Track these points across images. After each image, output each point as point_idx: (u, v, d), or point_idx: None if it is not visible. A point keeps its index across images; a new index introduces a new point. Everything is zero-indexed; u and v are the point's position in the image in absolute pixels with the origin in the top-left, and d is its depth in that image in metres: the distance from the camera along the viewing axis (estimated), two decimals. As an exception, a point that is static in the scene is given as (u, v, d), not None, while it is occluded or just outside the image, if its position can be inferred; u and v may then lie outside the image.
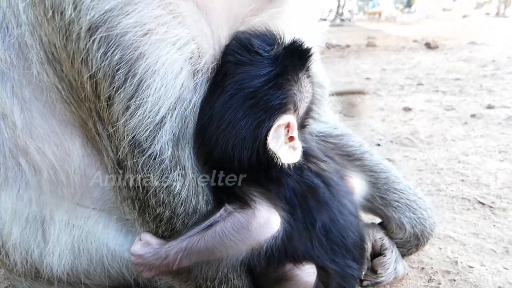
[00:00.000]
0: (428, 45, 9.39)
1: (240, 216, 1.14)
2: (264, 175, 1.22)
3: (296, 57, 1.25)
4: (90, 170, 1.45)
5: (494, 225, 2.20)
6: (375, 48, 10.02)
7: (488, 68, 6.44)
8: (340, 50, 10.20)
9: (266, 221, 1.13)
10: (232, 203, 1.18)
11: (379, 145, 3.50)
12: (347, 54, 9.35)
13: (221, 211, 1.19)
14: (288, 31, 1.34)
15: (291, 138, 1.21)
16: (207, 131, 1.20)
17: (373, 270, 1.75)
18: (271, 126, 1.14)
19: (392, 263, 1.74)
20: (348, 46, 10.64)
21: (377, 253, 1.79)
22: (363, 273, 1.68)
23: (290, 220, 1.17)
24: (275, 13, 1.38)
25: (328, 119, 1.86)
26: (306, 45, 1.30)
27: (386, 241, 1.79)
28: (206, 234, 1.15)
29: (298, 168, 1.26)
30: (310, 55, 1.29)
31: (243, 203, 1.16)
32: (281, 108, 1.17)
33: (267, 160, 1.18)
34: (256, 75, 1.18)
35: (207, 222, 1.17)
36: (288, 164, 1.19)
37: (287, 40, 1.28)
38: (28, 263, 1.55)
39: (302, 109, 1.29)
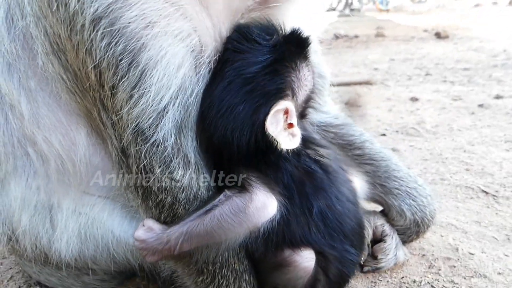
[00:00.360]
0: (438, 35, 9.25)
1: (238, 200, 1.18)
2: (263, 160, 1.25)
3: (294, 45, 1.27)
4: (95, 159, 1.48)
5: (496, 214, 2.21)
6: (384, 38, 9.90)
7: (499, 58, 6.35)
8: (348, 40, 10.12)
9: (263, 204, 1.17)
10: (231, 188, 1.22)
11: (384, 135, 3.50)
12: (355, 45, 9.27)
13: (221, 196, 1.22)
14: (289, 23, 1.36)
15: (290, 125, 1.23)
16: (207, 117, 1.23)
17: (373, 256, 1.78)
18: (269, 111, 1.17)
19: (392, 249, 1.77)
20: (356, 36, 10.54)
21: (378, 240, 1.82)
22: (363, 259, 1.71)
23: (288, 205, 1.19)
24: (276, 6, 1.40)
25: (328, 109, 1.88)
26: (305, 34, 1.32)
27: (387, 228, 1.82)
28: (206, 218, 1.18)
29: (296, 154, 1.28)
30: (309, 44, 1.32)
31: (242, 187, 1.19)
32: (278, 93, 1.20)
33: (266, 145, 1.21)
34: (254, 62, 1.21)
35: (207, 207, 1.21)
36: (287, 150, 1.22)
37: (287, 30, 1.30)
38: (37, 249, 1.60)
39: (301, 97, 1.30)
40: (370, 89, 5.12)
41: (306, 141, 1.34)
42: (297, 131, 1.25)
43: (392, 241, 1.79)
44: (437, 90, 4.82)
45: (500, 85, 4.78)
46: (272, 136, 1.18)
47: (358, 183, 1.52)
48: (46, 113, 1.43)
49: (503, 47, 7.09)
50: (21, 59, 1.38)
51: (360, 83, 5.32)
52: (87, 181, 1.54)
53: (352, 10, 20.29)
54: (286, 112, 1.21)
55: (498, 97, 4.29)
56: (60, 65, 1.29)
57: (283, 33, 1.29)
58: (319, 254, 1.26)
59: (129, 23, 1.15)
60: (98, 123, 1.34)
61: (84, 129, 1.44)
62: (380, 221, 1.83)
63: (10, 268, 2.01)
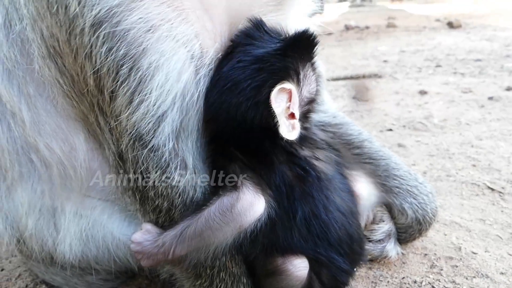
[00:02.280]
0: (450, 25, 9.09)
1: (225, 199, 1.18)
2: (260, 151, 1.26)
3: (302, 44, 1.29)
4: (94, 163, 1.50)
5: (502, 211, 2.18)
6: (395, 29, 9.77)
7: (512, 47, 6.23)
8: (358, 31, 10.01)
9: (250, 204, 1.17)
10: (223, 189, 1.22)
11: (391, 130, 3.47)
12: (366, 36, 9.16)
13: (214, 197, 1.23)
14: (290, 25, 1.38)
15: (292, 115, 1.24)
16: (212, 93, 1.24)
17: None
18: (274, 86, 1.19)
19: (382, 234, 1.76)
20: (367, 27, 10.42)
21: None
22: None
23: (275, 207, 1.19)
24: (277, 9, 1.40)
25: (326, 108, 1.87)
26: (313, 35, 1.32)
27: (386, 217, 1.80)
28: (196, 219, 1.19)
29: (292, 154, 1.28)
30: (316, 44, 1.32)
31: (232, 187, 1.19)
32: (284, 72, 1.22)
33: (269, 126, 1.21)
34: (264, 46, 1.25)
35: (199, 209, 1.22)
36: (285, 140, 1.23)
37: (295, 30, 1.31)
38: (43, 251, 1.64)
39: (305, 92, 1.31)
40: (379, 82, 5.06)
41: (305, 141, 1.33)
42: (297, 124, 1.25)
43: (385, 226, 1.77)
44: (446, 83, 4.74)
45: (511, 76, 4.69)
46: (274, 117, 1.19)
47: (366, 189, 1.50)
48: (45, 119, 1.43)
49: (517, 36, 6.94)
50: (19, 65, 1.37)
51: (368, 76, 5.27)
52: (87, 185, 1.56)
53: (363, 0, 20.02)
54: (290, 95, 1.22)
55: (509, 89, 4.21)
56: (57, 69, 1.28)
57: (291, 34, 1.31)
58: (311, 261, 1.25)
59: (131, 27, 1.14)
60: (95, 128, 1.35)
61: (82, 134, 1.44)
62: (381, 210, 1.81)
63: (19, 267, 2.07)
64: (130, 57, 1.15)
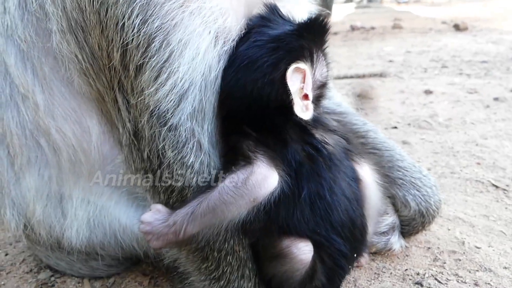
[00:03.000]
0: (457, 27, 9.06)
1: (239, 173, 1.18)
2: (273, 134, 1.26)
3: (316, 28, 1.32)
4: (105, 147, 1.51)
5: (506, 208, 2.18)
6: (401, 30, 9.75)
7: (518, 50, 6.20)
8: (364, 32, 9.99)
9: (264, 177, 1.17)
10: (236, 164, 1.22)
11: (396, 127, 3.47)
12: (372, 37, 9.15)
13: (226, 173, 1.22)
14: (301, 13, 1.40)
15: (306, 96, 1.26)
16: (229, 70, 1.26)
17: None
18: (290, 64, 1.22)
19: (385, 227, 1.76)
20: (373, 28, 10.40)
21: None
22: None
23: (289, 182, 1.19)
24: None
25: (331, 95, 1.86)
26: (326, 21, 1.34)
27: (390, 209, 1.80)
28: (209, 195, 1.18)
29: (306, 133, 1.29)
30: (328, 29, 1.35)
31: (246, 160, 1.19)
32: (300, 52, 1.25)
33: (283, 104, 1.23)
34: (279, 28, 1.29)
35: (211, 187, 1.21)
36: (299, 119, 1.24)
37: (309, 17, 1.35)
38: (51, 237, 1.65)
39: (317, 75, 1.33)
40: (384, 81, 5.06)
41: (318, 123, 1.34)
42: (310, 106, 1.28)
43: (389, 219, 1.77)
44: (452, 83, 4.74)
45: (517, 78, 4.67)
46: (289, 95, 1.21)
47: (372, 177, 1.48)
48: (60, 101, 1.43)
49: (523, 39, 6.92)
50: (35, 45, 1.37)
51: (373, 75, 5.27)
52: (97, 170, 1.56)
53: (370, 1, 20.00)
54: (304, 76, 1.25)
55: (514, 90, 4.20)
56: (76, 44, 1.27)
57: (304, 18, 1.34)
58: (315, 243, 1.25)
59: (165, 1, 1.15)
60: (110, 108, 1.34)
61: (95, 117, 1.44)
62: (385, 202, 1.81)
63: (23, 252, 2.09)
64: (163, 30, 1.15)
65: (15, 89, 1.46)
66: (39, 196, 1.59)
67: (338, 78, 5.24)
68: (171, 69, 1.18)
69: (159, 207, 1.27)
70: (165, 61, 1.17)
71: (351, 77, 5.27)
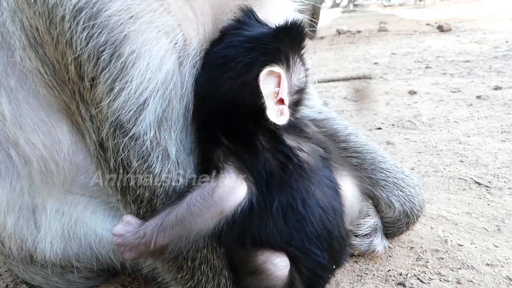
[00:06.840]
0: (440, 28, 9.16)
1: (207, 184, 1.17)
2: (244, 141, 1.24)
3: (293, 34, 1.28)
4: (78, 157, 1.47)
5: (488, 204, 2.18)
6: (387, 33, 9.83)
7: (500, 49, 6.26)
8: (350, 36, 10.07)
9: (231, 189, 1.15)
10: (209, 174, 1.20)
11: (380, 128, 3.47)
12: (357, 40, 9.22)
13: (195, 184, 1.21)
14: (275, 19, 1.36)
15: (281, 101, 1.23)
16: (203, 72, 1.24)
17: None
18: (265, 66, 1.18)
19: (367, 229, 1.74)
20: (359, 31, 10.49)
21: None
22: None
23: (256, 194, 1.18)
24: (260, 2, 1.41)
25: (312, 103, 1.86)
26: (302, 27, 1.32)
27: (372, 212, 1.79)
28: (177, 206, 1.17)
29: (277, 141, 1.27)
30: (305, 35, 1.33)
31: (216, 171, 1.18)
32: (275, 54, 1.22)
33: (256, 107, 1.20)
34: (256, 30, 1.27)
35: (180, 196, 1.20)
36: (271, 124, 1.21)
37: (285, 21, 1.31)
38: (23, 251, 1.60)
39: (294, 80, 1.30)
40: (369, 83, 5.07)
41: (294, 129, 1.32)
42: (286, 111, 1.24)
43: (371, 221, 1.76)
44: (436, 83, 4.77)
45: (499, 76, 4.71)
46: (262, 98, 1.18)
47: (351, 186, 1.46)
48: (28, 112, 1.41)
49: (506, 38, 7.00)
50: (0, 59, 1.36)
51: (359, 78, 5.29)
52: (70, 180, 1.53)
53: (355, 5, 20.19)
54: (279, 79, 1.22)
55: (497, 88, 4.23)
56: (38, 59, 1.27)
57: (281, 22, 1.31)
58: (291, 256, 1.23)
59: (112, 15, 1.13)
60: (77, 118, 1.33)
61: (65, 126, 1.42)
62: (367, 204, 1.80)
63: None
64: (111, 43, 1.14)
65: None
66: (11, 208, 1.55)
67: (325, 81, 5.25)
68: (125, 80, 1.16)
69: (129, 218, 1.27)
70: (117, 73, 1.16)
71: (337, 80, 5.28)
